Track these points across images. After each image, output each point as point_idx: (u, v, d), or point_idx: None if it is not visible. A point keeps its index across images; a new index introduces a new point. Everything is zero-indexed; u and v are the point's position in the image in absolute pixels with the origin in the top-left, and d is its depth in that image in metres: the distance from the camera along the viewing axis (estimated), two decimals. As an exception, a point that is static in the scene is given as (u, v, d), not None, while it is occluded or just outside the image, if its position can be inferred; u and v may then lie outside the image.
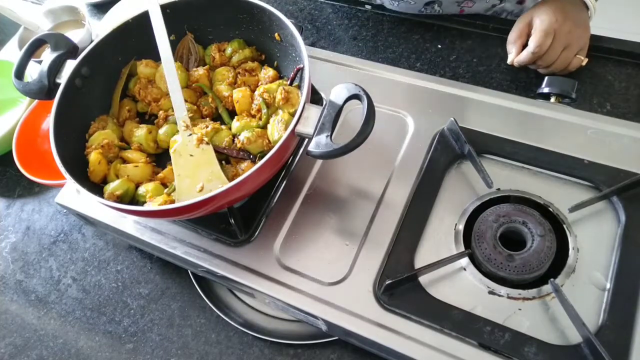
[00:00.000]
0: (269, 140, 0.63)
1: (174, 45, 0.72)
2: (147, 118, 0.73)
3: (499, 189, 0.62)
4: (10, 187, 0.93)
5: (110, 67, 0.72)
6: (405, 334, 0.54)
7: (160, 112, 0.70)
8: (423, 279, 0.57)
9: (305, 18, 0.98)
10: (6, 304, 0.79)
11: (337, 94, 0.55)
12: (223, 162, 0.64)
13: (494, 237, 0.57)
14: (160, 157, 0.69)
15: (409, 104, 0.71)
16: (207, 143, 0.63)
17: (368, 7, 0.95)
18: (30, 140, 0.91)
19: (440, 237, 0.60)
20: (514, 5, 0.92)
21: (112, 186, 0.63)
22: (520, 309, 0.54)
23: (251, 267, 0.61)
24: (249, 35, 0.73)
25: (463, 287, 0.57)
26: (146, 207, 0.60)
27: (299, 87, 0.66)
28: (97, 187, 0.65)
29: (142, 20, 0.69)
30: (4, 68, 1.02)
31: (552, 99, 0.69)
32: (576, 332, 0.51)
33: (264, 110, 0.65)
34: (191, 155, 0.62)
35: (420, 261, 0.58)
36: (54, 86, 0.67)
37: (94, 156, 0.65)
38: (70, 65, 0.67)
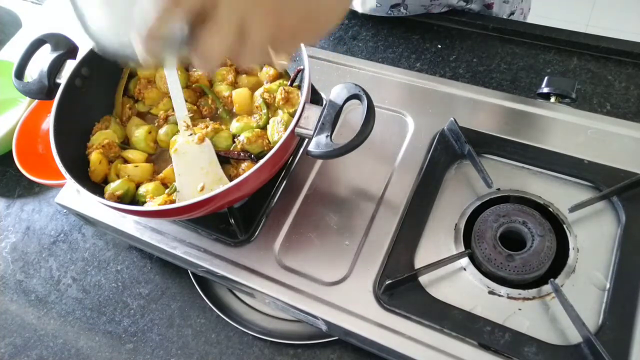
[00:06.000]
0: (268, 141, 0.63)
1: (174, 45, 0.71)
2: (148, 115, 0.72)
3: (499, 189, 0.62)
4: (10, 187, 0.93)
5: (110, 67, 0.70)
6: (405, 334, 0.54)
7: (161, 112, 0.70)
8: (423, 279, 0.57)
9: (305, 18, 0.98)
10: (6, 304, 0.79)
11: (337, 94, 0.55)
12: (223, 162, 0.64)
13: (494, 237, 0.57)
14: (160, 157, 0.69)
15: (409, 104, 0.71)
16: (208, 143, 0.63)
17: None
18: (30, 140, 0.91)
19: (440, 237, 0.60)
20: (481, 7, 0.90)
21: (113, 186, 0.63)
22: (520, 309, 0.54)
23: (251, 267, 0.61)
24: (249, 35, 0.73)
25: (463, 287, 0.57)
26: (146, 207, 0.60)
27: (299, 87, 0.66)
28: (97, 187, 0.65)
29: (142, 20, 0.69)
30: (4, 68, 1.02)
31: (552, 99, 0.69)
32: (576, 332, 0.51)
33: (264, 111, 0.65)
34: (192, 155, 0.62)
35: (420, 261, 0.58)
36: (54, 86, 0.67)
37: (94, 156, 0.65)
38: (70, 65, 0.67)
